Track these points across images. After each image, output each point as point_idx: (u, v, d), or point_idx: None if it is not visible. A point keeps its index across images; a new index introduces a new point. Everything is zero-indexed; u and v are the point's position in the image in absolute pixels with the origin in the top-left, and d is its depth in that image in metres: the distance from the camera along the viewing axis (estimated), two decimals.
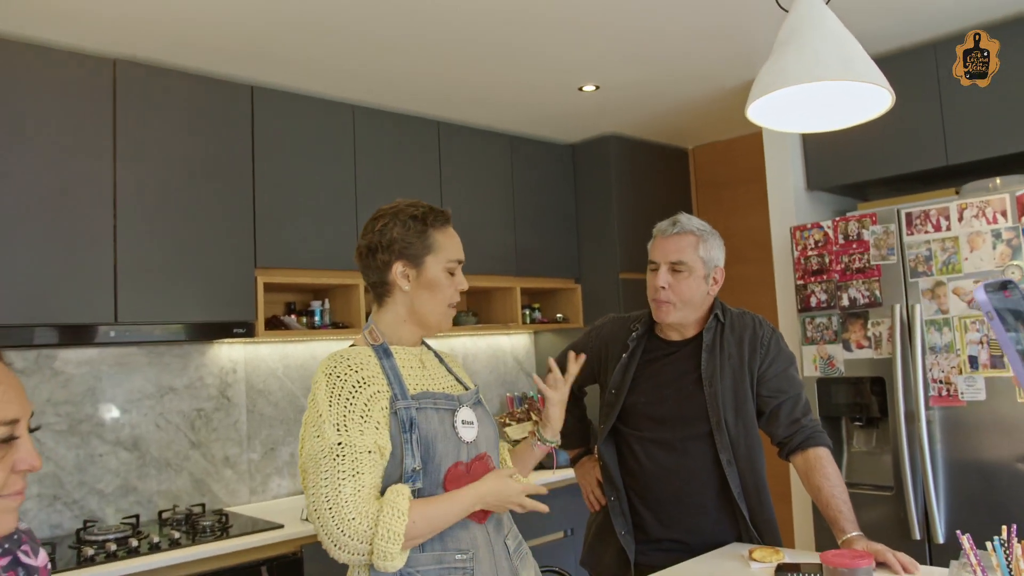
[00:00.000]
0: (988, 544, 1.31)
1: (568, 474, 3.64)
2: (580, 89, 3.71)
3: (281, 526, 2.95)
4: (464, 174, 4.07)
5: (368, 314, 3.68)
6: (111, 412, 3.18)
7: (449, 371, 1.86)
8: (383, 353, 1.70)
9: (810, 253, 3.22)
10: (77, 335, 2.82)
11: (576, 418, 2.54)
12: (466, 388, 1.84)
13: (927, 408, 2.93)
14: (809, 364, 3.24)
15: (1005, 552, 1.30)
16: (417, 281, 1.74)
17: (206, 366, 3.46)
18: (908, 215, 2.98)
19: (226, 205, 3.23)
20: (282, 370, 3.69)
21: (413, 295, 1.74)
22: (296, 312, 3.62)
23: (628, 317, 2.40)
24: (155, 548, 2.69)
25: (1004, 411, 2.79)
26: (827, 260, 3.17)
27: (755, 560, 2.00)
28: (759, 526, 2.21)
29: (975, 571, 1.32)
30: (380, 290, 1.77)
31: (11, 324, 2.68)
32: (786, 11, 1.95)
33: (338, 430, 1.57)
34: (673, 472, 2.22)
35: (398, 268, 1.72)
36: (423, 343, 1.85)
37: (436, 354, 1.88)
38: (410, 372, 1.72)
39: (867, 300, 3.07)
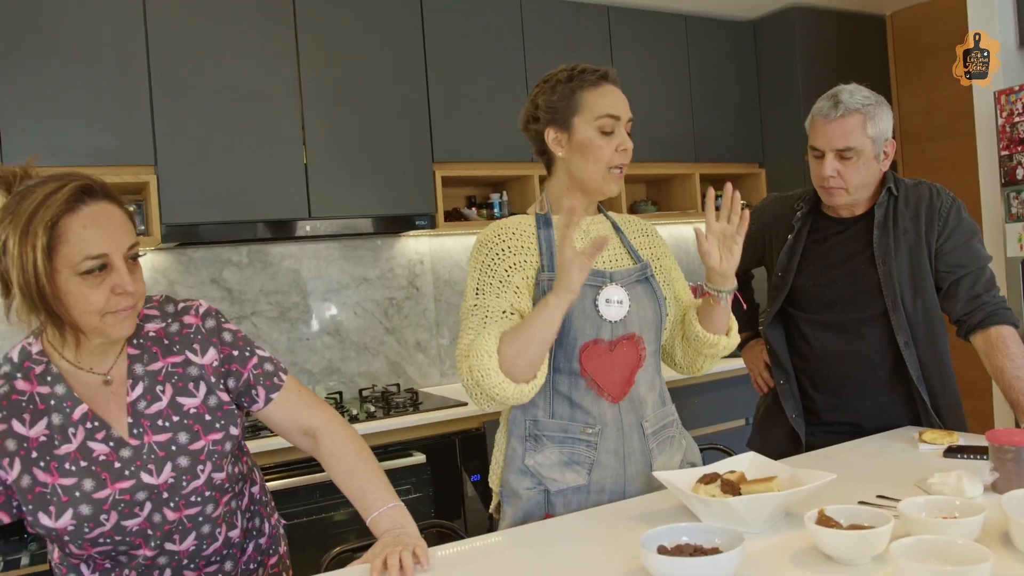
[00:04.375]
0: None
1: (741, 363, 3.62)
2: None
3: (465, 403, 3.17)
4: (637, 59, 3.98)
5: None
6: (314, 300, 3.52)
7: (624, 243, 1.82)
8: (543, 223, 1.72)
9: (1016, 120, 2.91)
10: (278, 229, 3.11)
11: (743, 301, 2.51)
12: (635, 263, 1.79)
13: None
14: (1013, 243, 2.97)
15: None
16: (569, 145, 1.70)
17: (395, 258, 3.71)
18: None
19: (402, 103, 3.39)
20: (465, 261, 3.89)
21: (569, 160, 1.71)
22: (476, 204, 3.77)
23: (791, 196, 2.31)
24: (354, 419, 3.00)
25: None
26: None
27: (924, 442, 1.93)
28: (941, 411, 2.12)
29: None
30: (544, 159, 1.78)
31: (221, 221, 3.01)
32: None
33: (476, 292, 1.66)
34: (845, 355, 2.15)
35: (550, 134, 1.71)
36: (600, 211, 1.84)
37: (614, 223, 1.85)
38: None
39: None
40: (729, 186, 1.73)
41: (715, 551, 1.23)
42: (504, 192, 3.80)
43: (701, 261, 1.73)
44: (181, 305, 1.48)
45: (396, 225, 3.36)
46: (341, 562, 1.51)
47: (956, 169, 3.88)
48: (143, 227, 3.02)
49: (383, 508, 1.43)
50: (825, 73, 4.23)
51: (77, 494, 1.32)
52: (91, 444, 1.35)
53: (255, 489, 1.62)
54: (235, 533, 1.51)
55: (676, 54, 4.13)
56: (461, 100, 3.53)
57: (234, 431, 1.46)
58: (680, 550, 1.24)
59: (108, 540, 1.35)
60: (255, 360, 1.51)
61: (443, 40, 3.49)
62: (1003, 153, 2.98)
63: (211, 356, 1.46)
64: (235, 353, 1.49)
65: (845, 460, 1.86)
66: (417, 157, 3.41)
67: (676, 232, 4.54)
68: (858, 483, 1.63)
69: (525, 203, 3.74)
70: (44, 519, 1.30)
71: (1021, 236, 2.95)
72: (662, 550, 1.24)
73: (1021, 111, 2.90)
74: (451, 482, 3.09)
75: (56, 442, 1.33)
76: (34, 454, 1.31)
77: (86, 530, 1.32)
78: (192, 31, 2.99)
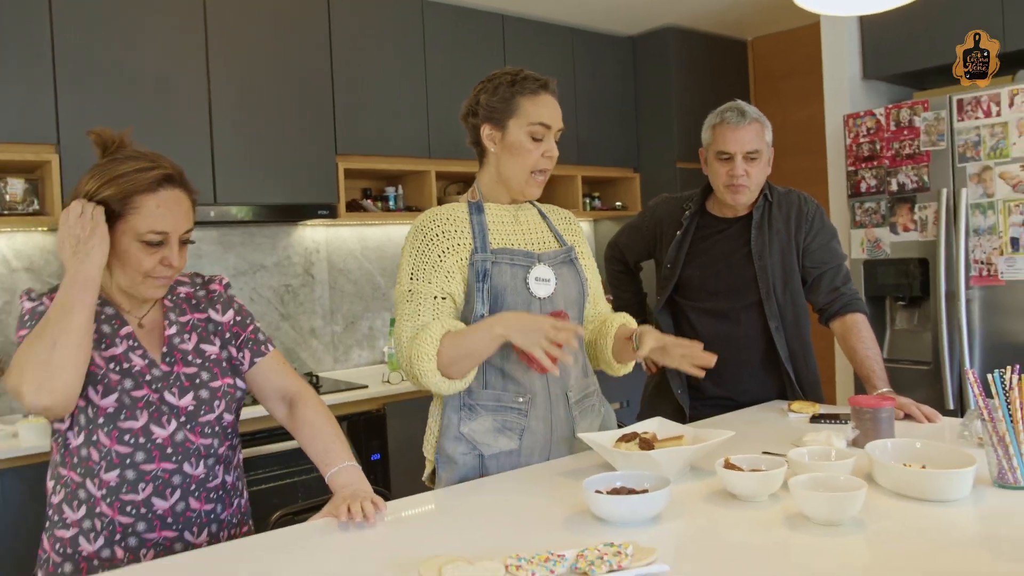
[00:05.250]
0: (988, 377, 1.52)
1: None
2: None
3: (366, 386, 3.29)
4: (527, 65, 4.18)
5: (439, 199, 3.95)
6: None
7: (550, 228, 1.97)
8: (475, 209, 1.86)
9: (862, 140, 3.35)
10: None
11: (633, 291, 2.78)
12: (560, 246, 1.94)
13: (967, 287, 3.10)
14: (857, 247, 3.41)
15: (1005, 388, 1.50)
16: (501, 143, 1.84)
17: (292, 246, 3.78)
18: (959, 101, 3.08)
19: (309, 97, 3.47)
20: (360, 251, 4.00)
21: (499, 156, 1.86)
22: (372, 197, 3.89)
23: (680, 197, 2.59)
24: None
25: None
26: (878, 147, 3.30)
27: (793, 411, 2.24)
28: (804, 387, 2.44)
29: (978, 399, 1.54)
30: (478, 150, 1.91)
31: None
32: None
33: (410, 277, 1.80)
34: (725, 338, 2.43)
35: (486, 130, 1.85)
36: (529, 202, 1.97)
37: (540, 212, 2.00)
38: (499, 227, 1.87)
39: (915, 185, 3.20)
40: (714, 358, 1.88)
41: (645, 492, 1.45)
42: (399, 186, 3.94)
43: (633, 335, 1.90)
44: (207, 277, 1.77)
45: (300, 213, 3.44)
46: (283, 523, 1.63)
47: (807, 182, 4.32)
48: (38, 207, 2.97)
49: (343, 464, 1.61)
50: (695, 88, 4.63)
51: (119, 387, 1.54)
52: (131, 355, 1.57)
53: (240, 457, 1.76)
54: (230, 479, 1.68)
55: (563, 64, 4.41)
56: (364, 96, 3.64)
57: (241, 384, 1.67)
58: (617, 492, 1.46)
59: (133, 440, 1.53)
60: (252, 327, 1.74)
61: (348, 39, 3.60)
62: (849, 168, 3.41)
63: (228, 316, 1.72)
64: (239, 318, 1.74)
65: (728, 428, 2.12)
66: (321, 149, 3.50)
67: None
68: (745, 444, 1.90)
69: (421, 197, 3.89)
70: (92, 394, 1.52)
71: (863, 240, 3.39)
72: (601, 493, 1.45)
73: (865, 133, 3.33)
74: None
75: (104, 345, 1.56)
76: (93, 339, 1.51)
77: (122, 416, 1.52)
78: (100, 13, 2.97)
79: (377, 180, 4.01)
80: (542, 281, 1.86)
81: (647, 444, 1.69)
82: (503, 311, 1.80)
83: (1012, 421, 1.51)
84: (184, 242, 1.59)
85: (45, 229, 3.11)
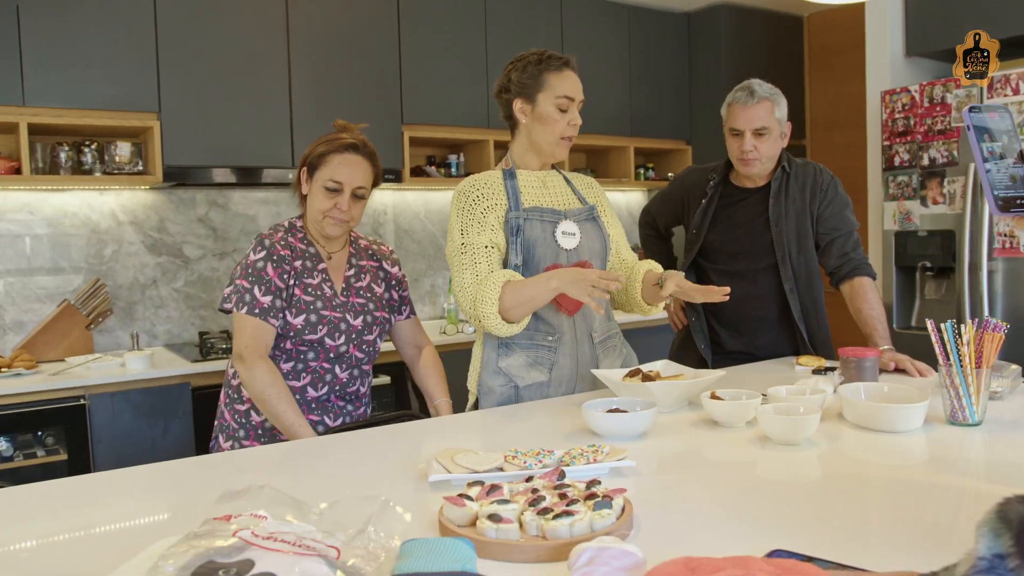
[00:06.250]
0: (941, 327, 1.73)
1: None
2: None
3: None
4: (585, 42, 4.47)
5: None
6: None
7: (574, 191, 2.23)
8: (508, 175, 2.13)
9: (897, 116, 3.50)
10: (266, 176, 3.51)
11: (663, 254, 3.03)
12: (583, 205, 2.20)
13: (991, 259, 3.25)
14: (889, 219, 3.58)
15: (956, 337, 1.72)
16: (532, 115, 2.10)
17: None
18: (991, 79, 3.21)
19: (378, 70, 3.81)
20: (424, 214, 4.33)
21: (530, 127, 2.11)
22: (436, 164, 4.21)
23: (705, 168, 2.83)
24: None
25: None
26: (912, 122, 3.45)
27: (800, 364, 2.47)
28: (816, 344, 2.67)
29: (936, 347, 1.76)
30: (510, 123, 2.17)
31: (215, 164, 3.39)
32: None
33: (461, 232, 2.09)
34: (744, 297, 2.66)
35: (517, 104, 2.11)
36: (554, 168, 2.24)
37: (565, 177, 2.26)
38: (529, 190, 2.13)
39: (945, 160, 3.35)
40: (727, 290, 2.06)
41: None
42: (461, 154, 4.25)
43: (660, 279, 2.12)
44: (381, 242, 2.42)
45: None
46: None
47: (854, 155, 4.48)
48: (142, 167, 3.38)
49: (441, 399, 2.32)
50: (747, 63, 4.79)
51: (311, 307, 2.12)
52: (323, 284, 2.17)
53: (370, 378, 2.37)
54: (362, 389, 2.29)
55: (619, 39, 4.63)
56: (429, 69, 3.96)
57: (390, 319, 2.32)
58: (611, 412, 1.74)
59: (309, 345, 2.13)
60: (407, 292, 2.41)
61: (415, 17, 3.91)
62: (885, 143, 3.57)
63: (395, 270, 2.37)
64: (401, 275, 2.39)
65: (740, 376, 2.37)
66: (388, 118, 3.84)
67: (611, 198, 5.06)
68: (748, 389, 2.15)
69: (480, 164, 4.20)
70: (289, 316, 2.10)
71: (896, 212, 3.56)
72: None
73: (901, 109, 3.49)
74: (405, 404, 3.56)
75: (305, 276, 2.15)
76: (296, 277, 2.13)
77: (307, 332, 2.11)
78: None
79: (440, 148, 4.34)
80: (568, 235, 2.13)
81: (648, 378, 1.97)
82: (534, 261, 2.08)
83: (963, 368, 1.73)
84: (359, 197, 2.15)
85: (147, 187, 3.53)
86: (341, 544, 0.92)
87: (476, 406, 2.20)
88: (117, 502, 1.42)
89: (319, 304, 2.13)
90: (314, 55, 3.63)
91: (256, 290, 2.07)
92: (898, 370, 2.32)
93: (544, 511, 1.09)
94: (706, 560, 0.86)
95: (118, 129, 3.30)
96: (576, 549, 0.95)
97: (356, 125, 2.22)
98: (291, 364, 2.14)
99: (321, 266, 2.18)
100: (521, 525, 1.08)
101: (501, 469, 1.40)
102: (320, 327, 2.12)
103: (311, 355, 2.13)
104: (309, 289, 2.13)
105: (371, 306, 2.23)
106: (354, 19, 3.74)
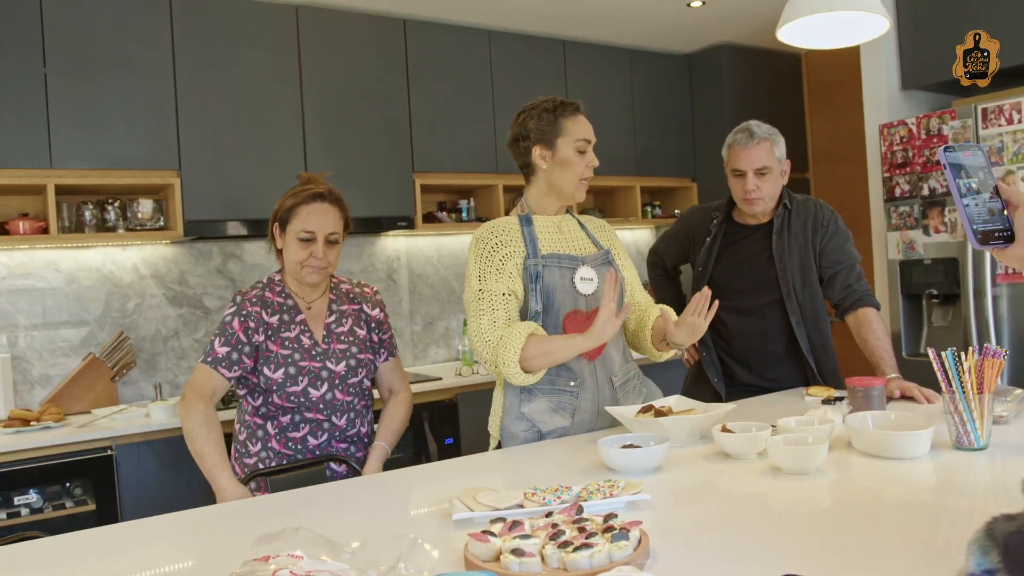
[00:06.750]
0: (942, 355, 1.79)
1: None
2: (688, 5, 4.12)
3: (440, 379, 3.70)
4: (588, 86, 4.59)
5: (507, 210, 4.35)
6: None
7: (588, 235, 2.27)
8: (525, 222, 2.16)
9: (896, 148, 3.58)
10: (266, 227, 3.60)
11: (672, 292, 3.09)
12: (599, 250, 2.24)
13: (994, 285, 3.30)
14: (893, 248, 3.64)
15: (957, 364, 1.78)
16: (552, 160, 2.15)
17: (376, 255, 4.23)
18: (984, 110, 3.29)
19: (388, 121, 3.93)
20: (437, 258, 4.43)
21: (550, 172, 2.16)
22: (447, 209, 4.31)
23: (709, 206, 2.90)
24: None
25: None
26: (911, 154, 3.53)
27: (809, 395, 2.52)
28: (824, 375, 2.71)
29: (938, 375, 1.82)
30: (526, 171, 2.22)
31: (232, 218, 3.49)
32: None
33: (479, 279, 2.11)
34: (752, 332, 2.73)
35: (536, 151, 2.15)
36: (568, 212, 2.30)
37: (579, 222, 2.30)
38: (546, 236, 2.16)
39: (945, 189, 3.42)
40: (707, 291, 2.14)
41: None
42: (471, 199, 4.35)
43: (668, 335, 2.17)
44: (365, 284, 2.46)
45: (381, 225, 3.89)
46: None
47: (855, 188, 4.57)
48: (163, 223, 3.49)
49: (380, 442, 2.33)
50: (749, 99, 4.90)
51: (288, 360, 2.20)
52: (301, 336, 2.24)
53: (371, 416, 2.42)
54: (363, 430, 2.35)
55: (621, 82, 4.76)
56: (438, 118, 4.08)
57: (374, 361, 2.38)
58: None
59: (295, 399, 2.20)
60: (389, 334, 2.45)
61: (423, 68, 4.05)
62: (885, 175, 3.65)
63: (375, 312, 2.40)
64: (382, 317, 2.43)
65: (750, 408, 2.43)
66: (399, 167, 3.95)
67: (621, 236, 5.14)
68: (758, 421, 2.20)
69: (490, 207, 4.30)
70: (267, 371, 2.18)
71: (899, 242, 3.62)
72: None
73: (899, 141, 3.57)
74: (422, 445, 3.62)
75: (282, 331, 2.22)
76: (270, 332, 2.20)
77: (288, 385, 2.18)
78: (212, 56, 3.49)
79: (451, 194, 4.44)
80: (586, 280, 2.18)
81: (660, 414, 2.03)
82: (553, 307, 2.13)
83: (965, 394, 1.78)
84: (332, 242, 2.22)
85: (168, 242, 3.64)
86: None
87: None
88: (148, 550, 1.48)
89: (296, 356, 2.20)
90: (326, 108, 3.76)
91: (217, 341, 2.18)
92: (905, 397, 2.37)
93: (564, 544, 1.15)
94: None
95: (140, 187, 3.42)
96: None
97: (320, 175, 2.31)
98: (288, 417, 2.22)
99: (299, 317, 2.25)
100: (543, 558, 1.14)
101: (521, 506, 1.46)
102: (300, 379, 2.20)
103: (305, 405, 2.22)
104: (286, 343, 2.21)
105: (354, 349, 2.29)
106: (364, 73, 3.87)
